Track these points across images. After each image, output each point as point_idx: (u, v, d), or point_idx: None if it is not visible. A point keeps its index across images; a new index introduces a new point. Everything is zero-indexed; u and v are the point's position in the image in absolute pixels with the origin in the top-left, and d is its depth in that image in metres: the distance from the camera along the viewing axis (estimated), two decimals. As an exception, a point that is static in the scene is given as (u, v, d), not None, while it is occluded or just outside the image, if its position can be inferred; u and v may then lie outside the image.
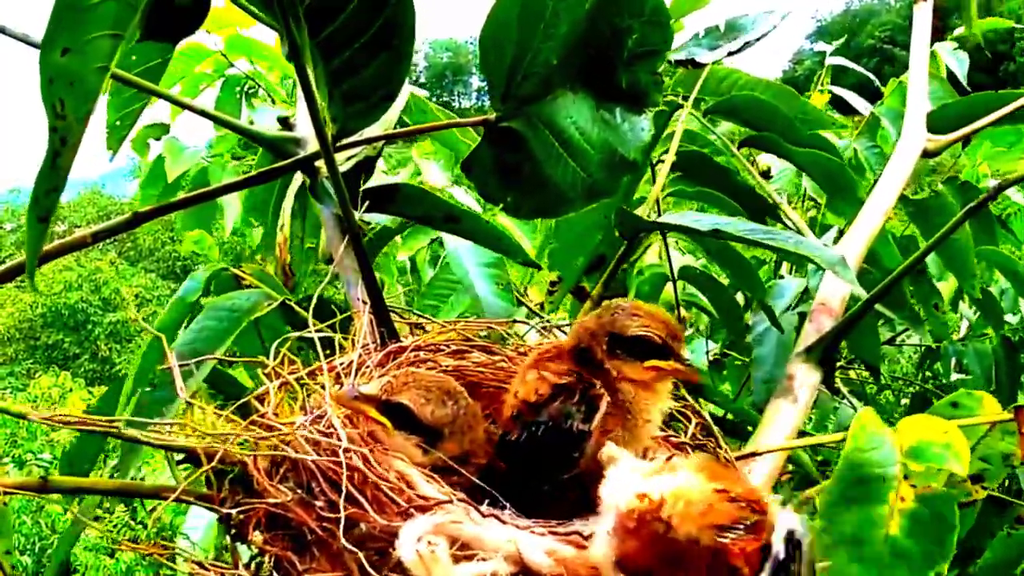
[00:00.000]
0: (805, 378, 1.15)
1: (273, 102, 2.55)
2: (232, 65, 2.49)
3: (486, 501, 0.80)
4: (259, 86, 2.57)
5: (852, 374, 2.70)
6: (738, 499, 0.72)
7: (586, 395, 0.89)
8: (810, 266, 1.73)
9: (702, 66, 1.36)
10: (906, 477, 0.79)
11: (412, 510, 0.76)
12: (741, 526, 0.70)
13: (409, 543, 0.72)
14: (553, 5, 1.01)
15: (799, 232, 1.35)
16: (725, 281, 1.75)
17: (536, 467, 0.88)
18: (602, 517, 0.76)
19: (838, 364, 2.49)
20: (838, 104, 2.54)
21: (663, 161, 1.44)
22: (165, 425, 0.96)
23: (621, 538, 0.71)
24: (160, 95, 1.25)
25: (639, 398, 0.91)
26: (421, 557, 0.71)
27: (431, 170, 2.38)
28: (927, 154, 1.33)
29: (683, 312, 1.90)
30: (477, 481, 0.86)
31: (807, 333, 1.20)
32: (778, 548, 0.71)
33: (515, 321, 1.26)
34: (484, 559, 0.73)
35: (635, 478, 0.76)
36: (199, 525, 1.50)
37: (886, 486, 0.78)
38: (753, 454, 1.09)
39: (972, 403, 0.94)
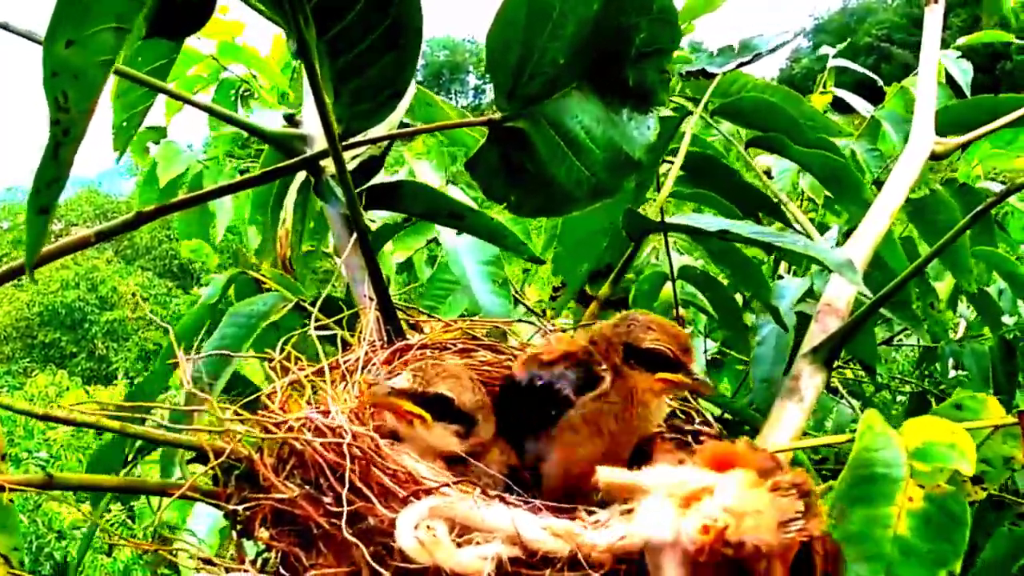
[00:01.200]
0: (810, 379, 1.15)
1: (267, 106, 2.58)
2: (225, 69, 2.52)
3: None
4: (252, 89, 2.60)
5: (848, 373, 2.71)
6: (785, 489, 0.71)
7: (590, 371, 0.93)
8: (816, 266, 1.74)
9: (713, 77, 1.38)
10: (912, 477, 0.80)
11: (413, 498, 0.77)
12: (800, 517, 0.69)
13: (407, 531, 0.72)
14: (560, 5, 1.01)
15: (806, 233, 1.35)
16: (724, 281, 1.75)
17: (527, 413, 0.93)
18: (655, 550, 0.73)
19: (835, 364, 2.49)
20: (836, 104, 2.55)
21: (670, 163, 1.44)
22: (177, 418, 0.97)
23: (692, 571, 0.70)
24: (171, 94, 1.26)
25: (646, 396, 0.93)
26: (422, 543, 0.71)
27: (423, 170, 2.39)
28: (935, 156, 1.33)
29: (681, 311, 1.91)
30: (501, 476, 0.87)
31: (813, 334, 1.20)
32: None
33: (520, 321, 1.27)
34: (485, 540, 0.73)
35: (674, 509, 0.74)
36: (203, 526, 1.50)
37: (894, 486, 0.79)
38: (758, 454, 1.09)
39: (976, 406, 0.95)
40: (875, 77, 2.54)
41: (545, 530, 0.74)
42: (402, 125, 1.43)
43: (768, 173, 2.32)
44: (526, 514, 0.76)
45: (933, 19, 1.51)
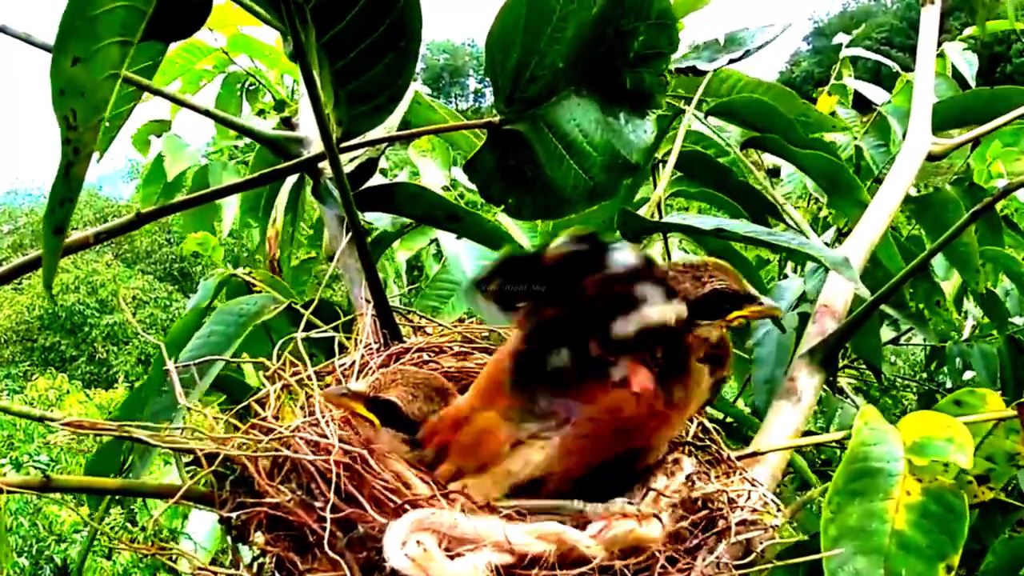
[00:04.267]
0: (808, 380, 1.15)
1: (274, 100, 2.55)
2: (233, 62, 2.48)
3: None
4: (259, 83, 2.56)
5: (856, 373, 2.70)
6: None
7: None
8: (807, 268, 1.73)
9: (703, 74, 1.37)
10: (911, 472, 0.79)
11: (407, 505, 0.76)
12: None
13: (395, 550, 0.71)
14: (560, 8, 1.01)
15: (802, 232, 1.35)
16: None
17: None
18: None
19: (841, 364, 2.48)
20: (857, 101, 2.52)
21: (665, 162, 1.44)
22: (173, 430, 0.96)
23: None
24: (159, 93, 1.24)
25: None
26: (413, 559, 0.70)
27: (428, 168, 2.38)
28: (932, 157, 1.32)
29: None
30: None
31: (810, 335, 1.19)
32: None
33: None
34: (473, 550, 0.72)
35: None
36: (203, 527, 1.50)
37: (890, 480, 0.79)
38: (755, 454, 1.08)
39: (976, 401, 0.94)
40: (891, 63, 2.49)
41: (530, 534, 0.74)
42: (402, 126, 1.43)
43: (776, 172, 2.30)
44: (512, 524, 0.75)
45: (929, 19, 1.50)
